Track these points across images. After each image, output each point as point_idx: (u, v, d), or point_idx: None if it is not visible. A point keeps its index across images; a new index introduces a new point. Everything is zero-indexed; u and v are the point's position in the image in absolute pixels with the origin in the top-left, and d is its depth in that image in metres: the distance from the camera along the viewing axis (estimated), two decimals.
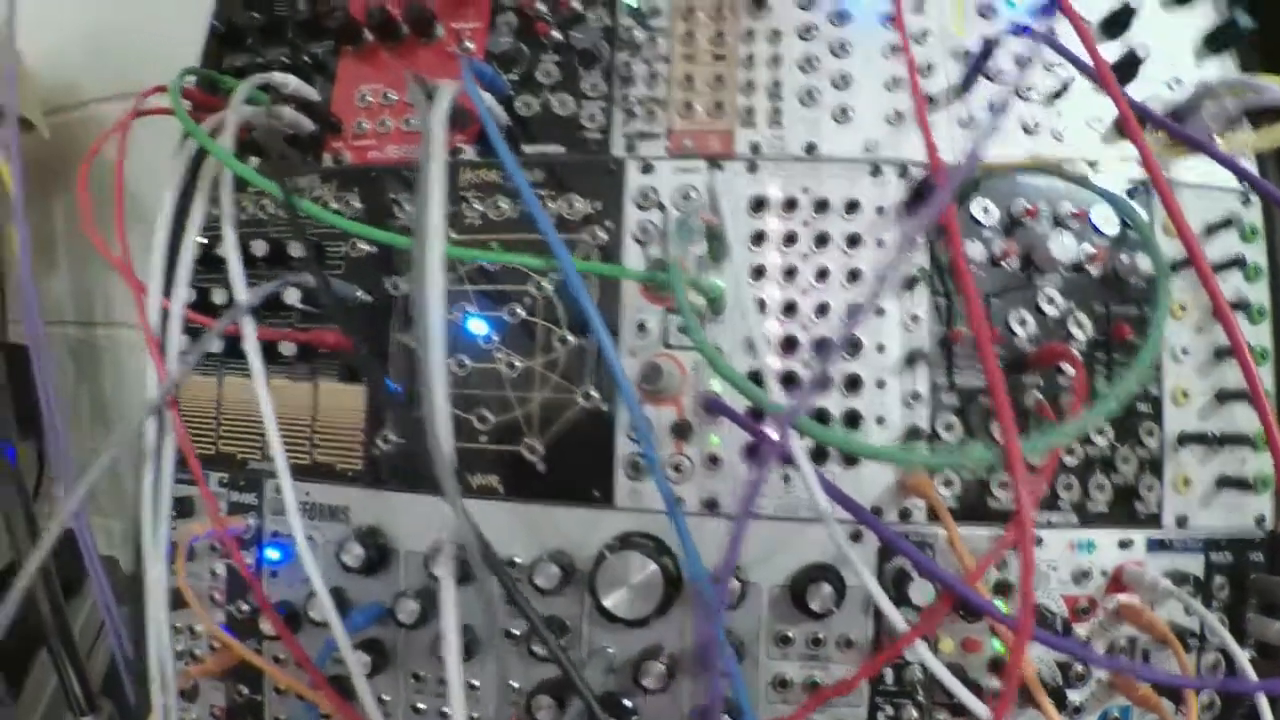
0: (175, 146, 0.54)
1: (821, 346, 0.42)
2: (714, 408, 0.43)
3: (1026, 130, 0.46)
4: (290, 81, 0.48)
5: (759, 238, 0.45)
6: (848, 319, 0.43)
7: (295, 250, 0.48)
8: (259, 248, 0.48)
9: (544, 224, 0.37)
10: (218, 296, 0.49)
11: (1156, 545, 0.45)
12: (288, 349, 0.48)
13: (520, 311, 0.45)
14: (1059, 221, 0.45)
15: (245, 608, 0.50)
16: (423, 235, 0.36)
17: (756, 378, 0.44)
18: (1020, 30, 0.45)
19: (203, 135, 0.42)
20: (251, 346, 0.42)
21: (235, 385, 0.50)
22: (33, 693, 0.69)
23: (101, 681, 0.69)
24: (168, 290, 0.44)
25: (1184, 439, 0.46)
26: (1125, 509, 0.45)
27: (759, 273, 0.44)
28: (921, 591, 0.41)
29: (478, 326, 0.46)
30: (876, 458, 0.42)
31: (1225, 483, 0.46)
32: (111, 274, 0.73)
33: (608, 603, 0.42)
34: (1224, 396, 0.46)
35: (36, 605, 0.69)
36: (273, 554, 0.49)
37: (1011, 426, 0.32)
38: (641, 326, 0.45)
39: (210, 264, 0.48)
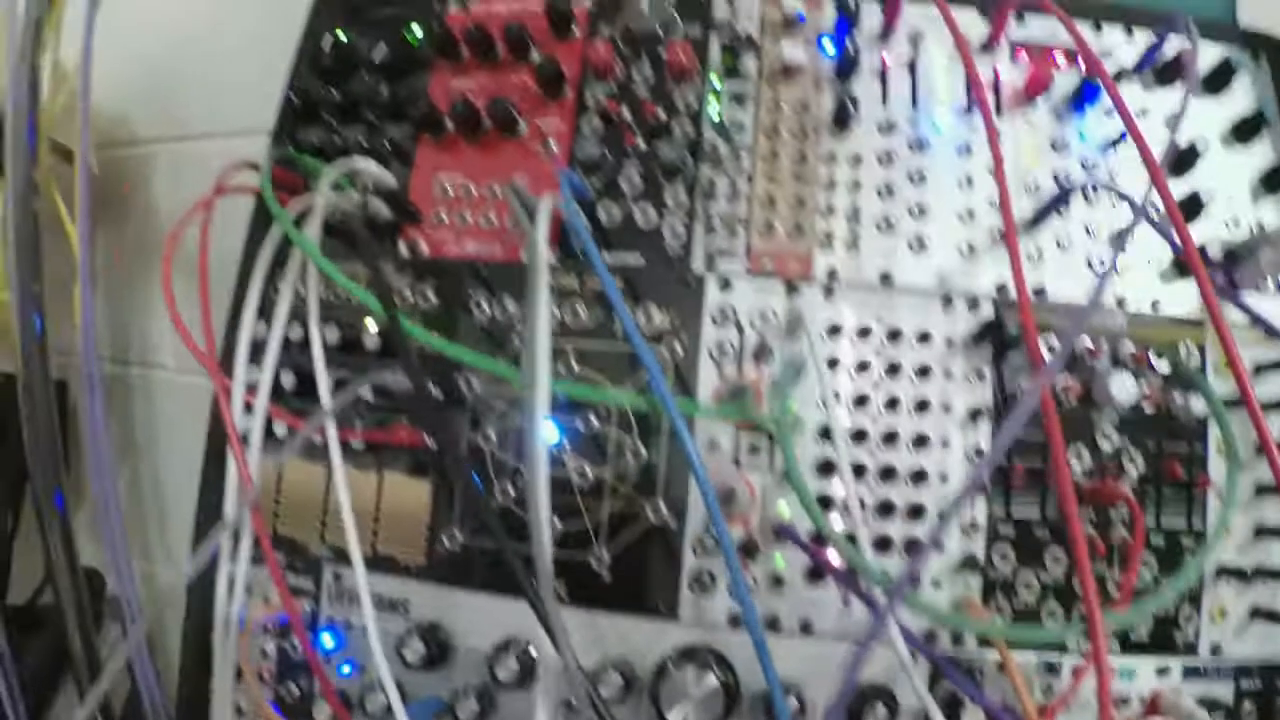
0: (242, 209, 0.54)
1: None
2: (785, 535, 0.43)
3: (1090, 266, 0.47)
4: (371, 168, 0.48)
5: (832, 363, 0.45)
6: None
7: (370, 343, 0.48)
8: (331, 334, 0.48)
9: (644, 353, 0.38)
10: (285, 379, 0.49)
11: (1192, 672, 0.47)
12: (356, 441, 0.48)
13: (594, 421, 0.46)
14: (1118, 360, 0.47)
15: (296, 690, 0.50)
16: (532, 369, 0.36)
17: (825, 501, 0.45)
18: (1093, 184, 0.47)
19: (296, 233, 0.42)
20: (334, 447, 0.43)
21: (297, 469, 0.50)
22: None
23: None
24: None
25: (1222, 572, 0.47)
26: (1164, 637, 0.47)
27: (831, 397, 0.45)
28: (974, 718, 0.43)
29: (550, 432, 0.46)
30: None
31: (1258, 614, 0.48)
32: (151, 313, 0.72)
33: (671, 717, 0.43)
34: (1262, 532, 0.48)
35: (63, 638, 0.68)
36: (327, 640, 0.49)
37: (1096, 605, 0.33)
38: (713, 444, 0.45)
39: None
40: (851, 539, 0.44)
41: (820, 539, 0.44)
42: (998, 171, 0.39)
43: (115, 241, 0.72)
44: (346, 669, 0.49)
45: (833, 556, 0.44)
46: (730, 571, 0.36)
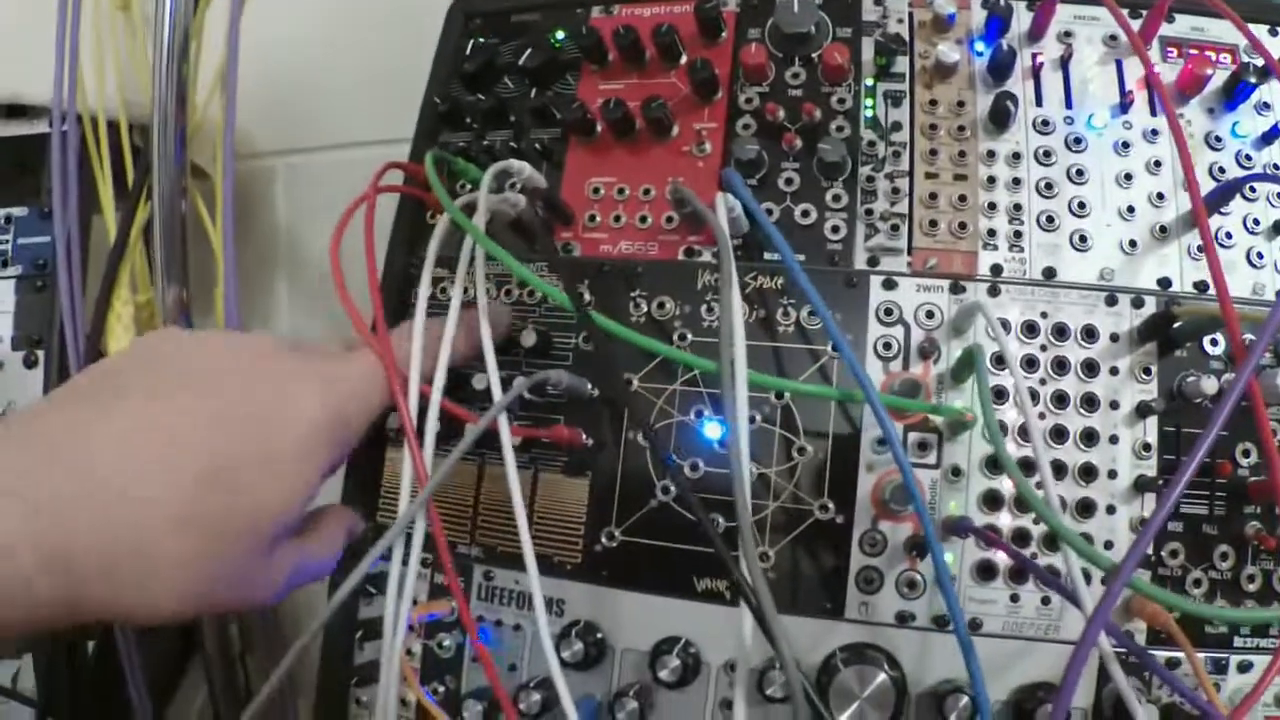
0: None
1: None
2: (963, 530, 0.42)
3: (1251, 264, 0.46)
4: (525, 170, 0.47)
5: (999, 361, 0.44)
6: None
7: (527, 339, 0.46)
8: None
9: (839, 341, 0.37)
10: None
11: None
12: (513, 439, 0.46)
13: (757, 419, 0.44)
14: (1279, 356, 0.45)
15: (442, 690, 0.48)
16: (730, 361, 0.35)
17: (994, 498, 0.43)
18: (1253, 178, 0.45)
19: (476, 230, 0.41)
20: (506, 444, 0.41)
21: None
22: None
23: None
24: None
25: None
26: None
27: (999, 395, 0.43)
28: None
29: (713, 430, 0.45)
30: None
31: None
32: (272, 320, 0.71)
33: (842, 716, 0.41)
34: None
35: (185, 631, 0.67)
36: None
37: None
38: (880, 442, 0.44)
39: None
40: (1024, 535, 0.43)
41: (993, 529, 0.43)
42: (1183, 156, 0.38)
43: (235, 253, 0.71)
44: (498, 664, 0.48)
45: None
46: (938, 570, 0.35)
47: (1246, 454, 0.44)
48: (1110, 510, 0.43)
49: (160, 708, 0.65)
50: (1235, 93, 0.47)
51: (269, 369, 0.33)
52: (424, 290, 0.43)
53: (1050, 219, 0.45)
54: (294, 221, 0.71)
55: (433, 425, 0.41)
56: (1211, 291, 0.45)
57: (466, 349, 0.42)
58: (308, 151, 0.70)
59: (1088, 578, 0.41)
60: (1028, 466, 0.43)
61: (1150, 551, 0.43)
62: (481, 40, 0.53)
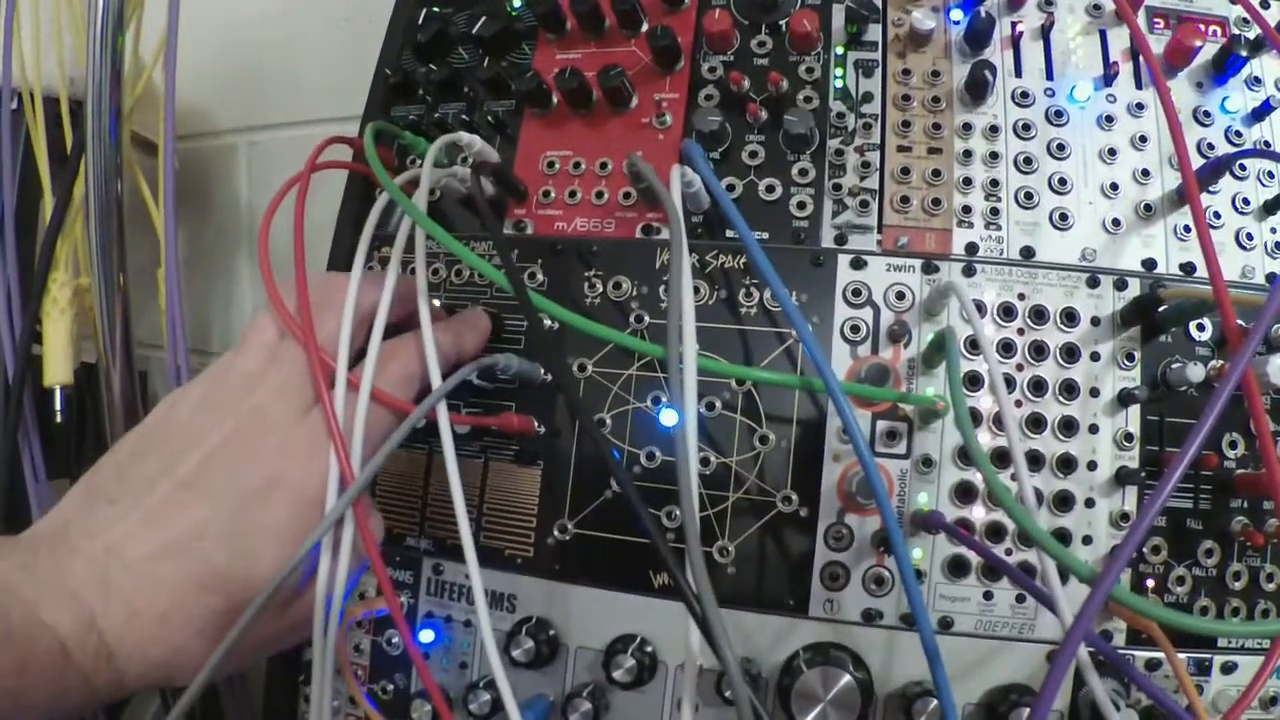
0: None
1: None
2: (933, 526, 0.38)
3: (1240, 245, 0.42)
4: (475, 143, 0.43)
5: (973, 345, 0.40)
6: None
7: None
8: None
9: (799, 324, 0.33)
10: None
11: None
12: (460, 427, 0.42)
13: (718, 405, 0.40)
14: (1271, 344, 0.41)
15: (391, 688, 0.45)
16: (678, 344, 0.31)
17: (967, 489, 0.39)
18: (1245, 154, 0.41)
19: (411, 206, 0.36)
20: (445, 433, 0.37)
21: (394, 456, 0.44)
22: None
23: None
24: None
25: None
26: None
27: (973, 382, 0.40)
28: None
29: (669, 418, 0.41)
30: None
31: None
32: (233, 303, 0.67)
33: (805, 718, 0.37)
34: None
35: None
36: (426, 635, 0.44)
37: None
38: (844, 430, 0.40)
39: None
40: (998, 530, 0.39)
41: (966, 525, 0.39)
42: (1173, 129, 0.34)
43: (197, 232, 0.67)
44: (446, 663, 0.44)
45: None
46: (903, 573, 0.31)
47: (1233, 445, 0.40)
48: (1089, 504, 0.40)
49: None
50: (1226, 66, 0.43)
51: (256, 451, 0.34)
52: (357, 270, 0.39)
53: (1029, 196, 0.41)
54: (257, 200, 0.67)
55: (360, 420, 0.37)
56: (1199, 274, 0.41)
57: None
58: (271, 129, 0.65)
59: (1065, 577, 0.37)
60: (1002, 457, 0.39)
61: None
62: (435, 9, 0.49)
